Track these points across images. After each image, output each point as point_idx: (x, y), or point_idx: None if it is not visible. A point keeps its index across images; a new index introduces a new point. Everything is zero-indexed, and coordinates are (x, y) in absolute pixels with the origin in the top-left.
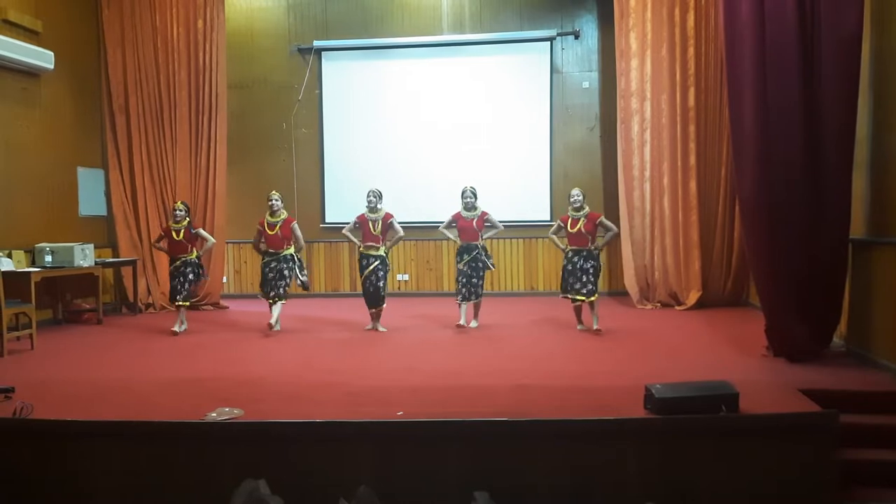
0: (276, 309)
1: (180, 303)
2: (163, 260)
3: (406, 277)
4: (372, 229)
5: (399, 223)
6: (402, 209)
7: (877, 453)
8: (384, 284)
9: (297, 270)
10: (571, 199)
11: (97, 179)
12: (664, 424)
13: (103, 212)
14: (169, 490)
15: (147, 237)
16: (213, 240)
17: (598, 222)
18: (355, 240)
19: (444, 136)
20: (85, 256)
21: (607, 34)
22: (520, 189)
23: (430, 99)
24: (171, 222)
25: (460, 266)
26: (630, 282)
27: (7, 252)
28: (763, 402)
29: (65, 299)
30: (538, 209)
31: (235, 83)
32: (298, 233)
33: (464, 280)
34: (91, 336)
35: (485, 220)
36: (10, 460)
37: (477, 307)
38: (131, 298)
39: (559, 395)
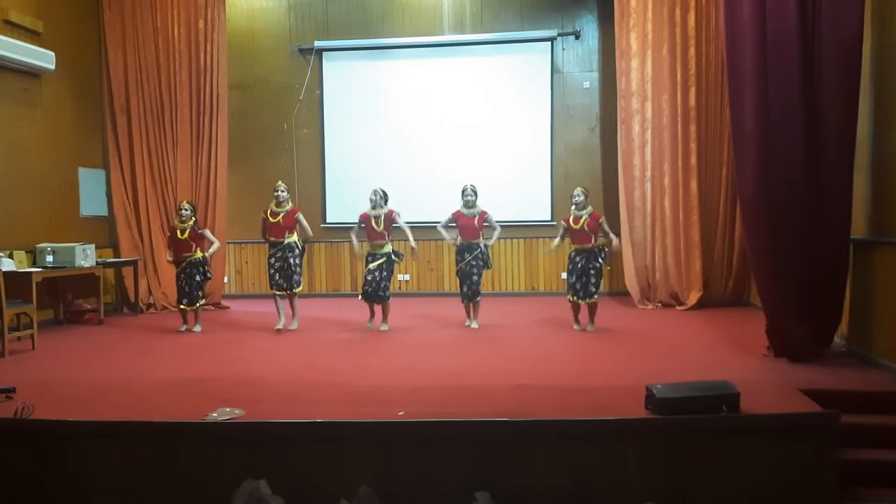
0: (295, 304)
1: (184, 306)
2: (163, 260)
3: (407, 277)
4: (375, 226)
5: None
6: (403, 209)
7: (877, 453)
8: (387, 284)
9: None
10: (573, 198)
11: (98, 180)
12: (665, 425)
13: (104, 212)
14: (169, 490)
15: (148, 237)
16: (218, 243)
17: (600, 222)
18: (356, 242)
19: (444, 136)
20: (86, 257)
21: (608, 34)
22: (521, 189)
23: (430, 99)
24: (176, 221)
25: (461, 265)
26: (631, 282)
27: (8, 252)
28: (764, 403)
29: (66, 299)
30: (539, 209)
31: (236, 83)
32: (304, 222)
33: (465, 279)
34: (92, 336)
35: (484, 220)
36: (11, 460)
37: (476, 307)
38: (132, 299)
39: (559, 395)
